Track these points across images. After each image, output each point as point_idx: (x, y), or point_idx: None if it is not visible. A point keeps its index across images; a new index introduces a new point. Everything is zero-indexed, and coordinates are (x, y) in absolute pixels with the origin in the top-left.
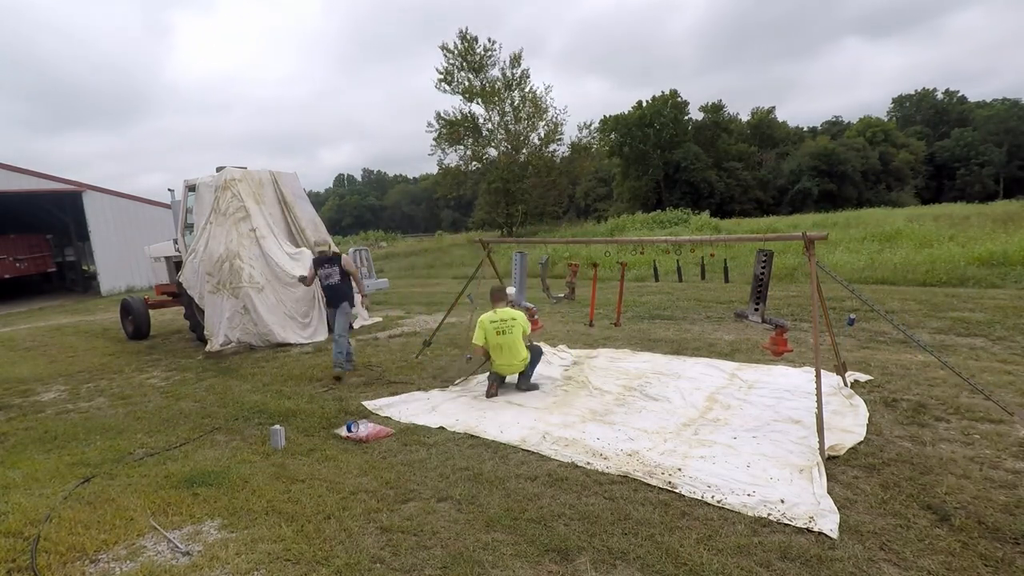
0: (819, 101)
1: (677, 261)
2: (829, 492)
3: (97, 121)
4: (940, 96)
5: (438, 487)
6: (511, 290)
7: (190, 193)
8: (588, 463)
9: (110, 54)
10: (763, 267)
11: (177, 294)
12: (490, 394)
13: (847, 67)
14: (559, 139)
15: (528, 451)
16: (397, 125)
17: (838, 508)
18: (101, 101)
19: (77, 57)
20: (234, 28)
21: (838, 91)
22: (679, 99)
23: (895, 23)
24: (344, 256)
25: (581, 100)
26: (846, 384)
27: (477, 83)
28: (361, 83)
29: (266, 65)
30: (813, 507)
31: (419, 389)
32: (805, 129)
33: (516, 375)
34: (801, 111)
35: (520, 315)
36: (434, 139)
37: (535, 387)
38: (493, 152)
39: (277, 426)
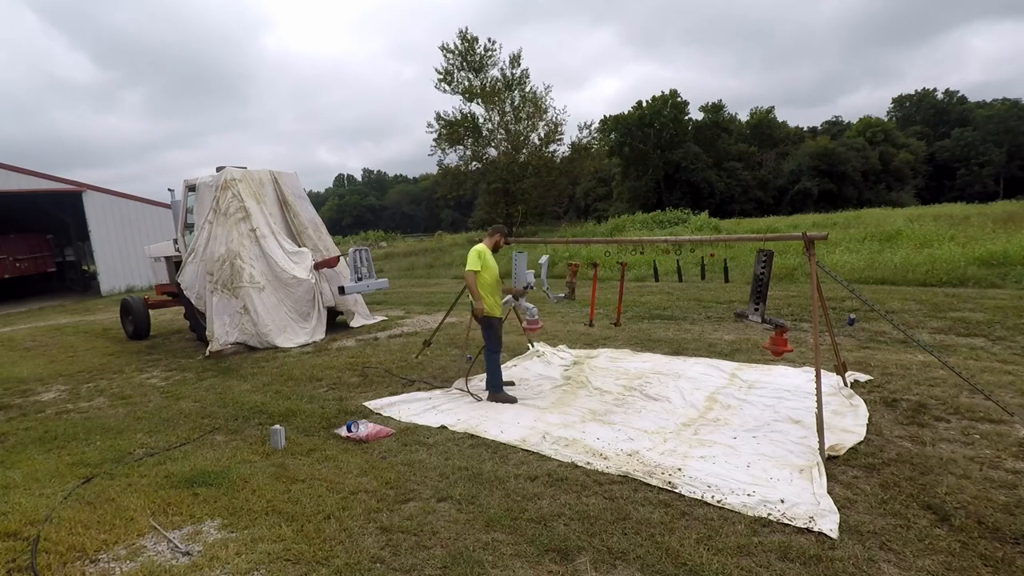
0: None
1: (677, 261)
2: (829, 492)
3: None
4: (940, 96)
5: (438, 487)
6: (509, 297)
7: (190, 193)
8: (588, 463)
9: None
10: (763, 267)
11: (177, 294)
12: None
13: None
14: (559, 139)
15: (528, 451)
16: None
17: (838, 508)
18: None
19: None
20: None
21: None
22: (679, 99)
23: None
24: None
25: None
26: (846, 384)
27: (477, 83)
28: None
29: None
30: (813, 507)
31: (419, 389)
32: (805, 129)
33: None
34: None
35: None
36: (434, 139)
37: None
38: (493, 152)
39: (277, 426)
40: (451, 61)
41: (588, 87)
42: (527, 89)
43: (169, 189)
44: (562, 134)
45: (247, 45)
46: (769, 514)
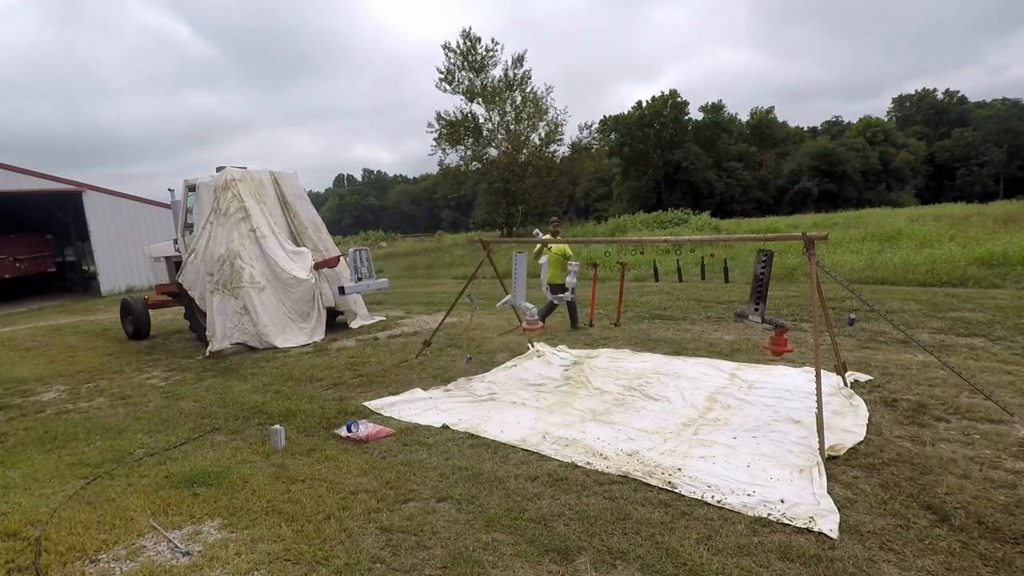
0: None
1: (677, 261)
2: (829, 492)
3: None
4: (940, 96)
5: (438, 487)
6: (509, 297)
7: (190, 193)
8: (588, 463)
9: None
10: (763, 267)
11: (177, 294)
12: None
13: None
14: (559, 139)
15: (528, 451)
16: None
17: (838, 508)
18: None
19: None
20: None
21: None
22: (679, 99)
23: None
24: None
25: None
26: (846, 384)
27: (478, 83)
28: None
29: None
30: (813, 507)
31: (419, 389)
32: (805, 129)
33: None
34: None
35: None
36: (434, 139)
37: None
38: (493, 152)
39: (277, 426)
40: (452, 60)
41: (705, 61)
42: (528, 89)
43: (169, 189)
44: (562, 134)
45: (339, 23)
46: (769, 514)
